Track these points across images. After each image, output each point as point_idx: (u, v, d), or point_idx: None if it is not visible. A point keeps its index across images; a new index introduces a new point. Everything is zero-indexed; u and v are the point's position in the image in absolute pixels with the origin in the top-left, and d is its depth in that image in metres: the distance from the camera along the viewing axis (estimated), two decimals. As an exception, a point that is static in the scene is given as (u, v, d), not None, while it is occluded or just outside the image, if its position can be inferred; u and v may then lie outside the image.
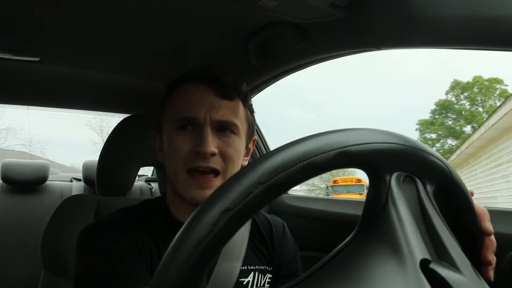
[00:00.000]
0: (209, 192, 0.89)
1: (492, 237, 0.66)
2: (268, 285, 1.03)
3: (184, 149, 0.92)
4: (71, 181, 2.89)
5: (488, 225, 0.64)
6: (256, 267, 1.02)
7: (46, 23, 1.14)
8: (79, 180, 2.84)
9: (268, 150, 1.89)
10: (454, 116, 24.87)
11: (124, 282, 0.82)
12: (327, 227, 1.51)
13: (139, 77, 1.59)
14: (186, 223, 0.41)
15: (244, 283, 0.98)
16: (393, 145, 0.47)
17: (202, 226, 0.39)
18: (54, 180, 2.85)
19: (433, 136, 24.98)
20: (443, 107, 24.51)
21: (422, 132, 24.91)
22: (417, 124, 24.83)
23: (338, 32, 1.10)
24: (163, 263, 0.40)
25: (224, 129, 0.95)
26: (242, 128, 0.99)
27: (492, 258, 0.65)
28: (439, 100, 24.83)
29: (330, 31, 1.11)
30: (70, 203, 1.33)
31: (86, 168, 2.65)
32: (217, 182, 0.93)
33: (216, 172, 0.93)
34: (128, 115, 1.43)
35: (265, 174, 0.40)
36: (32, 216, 2.50)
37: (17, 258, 2.36)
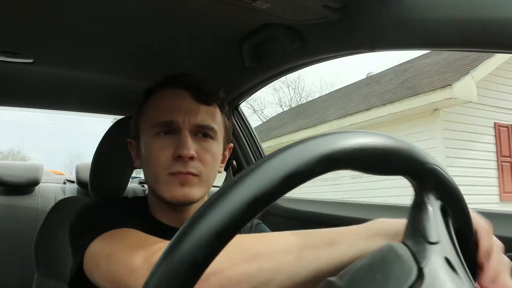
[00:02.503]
0: (188, 190, 0.92)
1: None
2: None
3: (164, 154, 0.94)
4: (64, 183, 2.88)
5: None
6: None
7: (39, 25, 1.13)
8: (73, 182, 2.83)
9: (262, 153, 1.89)
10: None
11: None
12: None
13: (132, 79, 1.58)
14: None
15: None
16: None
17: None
18: (47, 182, 2.83)
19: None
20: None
21: None
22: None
23: (331, 33, 1.10)
24: None
25: (202, 133, 0.97)
26: (220, 132, 1.01)
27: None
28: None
29: (323, 32, 1.12)
30: (63, 205, 1.33)
31: (79, 170, 2.63)
32: (196, 181, 0.94)
33: (195, 174, 0.94)
34: (122, 116, 1.43)
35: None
36: (25, 218, 2.48)
37: (10, 260, 2.34)
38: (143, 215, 1.03)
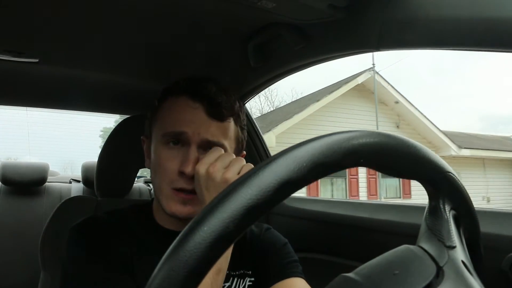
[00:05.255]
0: (189, 208, 0.93)
1: None
2: None
3: (170, 167, 0.94)
4: (70, 182, 2.89)
5: None
6: (236, 272, 1.03)
7: (45, 25, 1.13)
8: (78, 181, 2.84)
9: (268, 155, 1.89)
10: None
11: (102, 284, 0.86)
12: (327, 228, 1.51)
13: (138, 78, 1.58)
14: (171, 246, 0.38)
15: (225, 287, 1.00)
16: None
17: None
18: (53, 182, 2.85)
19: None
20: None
21: (105, 139, 26.52)
22: (101, 131, 27.40)
23: (337, 33, 1.10)
24: None
25: (211, 148, 0.95)
26: (230, 147, 1.00)
27: None
28: (124, 112, 27.15)
29: (329, 32, 1.11)
30: (69, 204, 1.34)
31: (85, 170, 2.65)
32: (198, 200, 0.93)
33: None
34: (128, 116, 1.43)
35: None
36: (31, 217, 2.50)
37: (16, 259, 2.36)
38: (146, 222, 1.04)
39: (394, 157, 0.45)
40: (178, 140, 0.95)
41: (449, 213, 0.50)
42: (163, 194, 0.95)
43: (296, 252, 1.11)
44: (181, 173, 0.92)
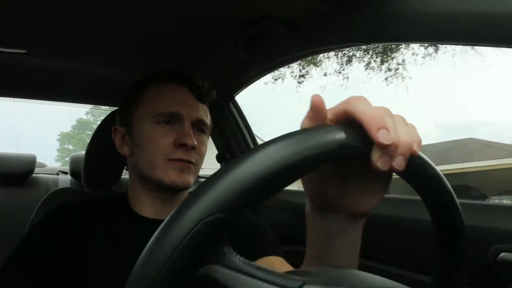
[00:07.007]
0: (187, 177, 0.98)
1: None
2: None
3: (164, 141, 0.98)
4: (57, 174, 2.87)
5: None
6: None
7: (33, 15, 1.12)
8: (66, 173, 2.82)
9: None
10: (90, 132, 27.78)
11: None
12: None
13: (127, 70, 1.58)
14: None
15: None
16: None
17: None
18: (41, 173, 2.82)
19: (71, 147, 28.36)
20: (82, 124, 27.61)
21: (62, 142, 28.21)
22: (59, 135, 27.70)
23: (327, 26, 1.10)
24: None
25: (199, 127, 1.05)
26: (210, 129, 1.10)
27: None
28: (81, 118, 27.47)
29: (319, 25, 1.12)
30: (56, 196, 1.33)
31: (73, 161, 2.62)
32: (193, 170, 1.01)
33: (193, 163, 1.00)
34: (116, 108, 1.42)
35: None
36: (18, 208, 2.47)
37: (2, 251, 2.34)
38: (123, 211, 1.06)
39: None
40: (170, 119, 1.01)
41: None
42: (157, 167, 0.98)
43: (283, 245, 1.11)
44: (180, 145, 0.97)
